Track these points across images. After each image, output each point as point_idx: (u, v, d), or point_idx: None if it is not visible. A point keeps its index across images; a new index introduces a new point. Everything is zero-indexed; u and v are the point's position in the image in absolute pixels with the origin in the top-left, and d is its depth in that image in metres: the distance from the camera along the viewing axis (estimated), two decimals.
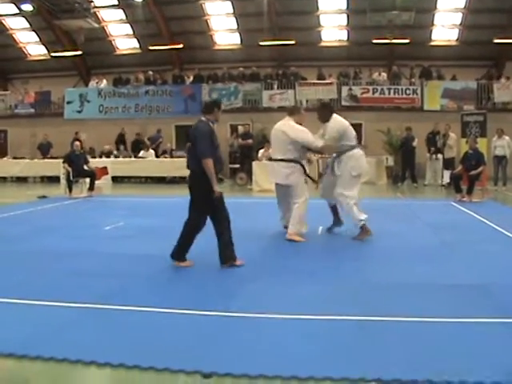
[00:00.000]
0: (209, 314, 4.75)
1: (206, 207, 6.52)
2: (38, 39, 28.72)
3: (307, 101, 24.30)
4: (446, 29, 25.66)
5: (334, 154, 8.82)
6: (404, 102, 23.21)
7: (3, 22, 27.74)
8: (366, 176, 19.65)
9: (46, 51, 28.94)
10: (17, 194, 17.76)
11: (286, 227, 8.54)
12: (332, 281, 6.01)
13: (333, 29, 26.64)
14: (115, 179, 20.83)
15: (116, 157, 22.07)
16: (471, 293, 5.48)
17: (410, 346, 4.03)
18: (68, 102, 25.77)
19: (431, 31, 25.69)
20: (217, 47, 28.12)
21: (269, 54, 26.69)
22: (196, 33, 27.32)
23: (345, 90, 23.55)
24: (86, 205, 13.73)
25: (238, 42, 27.59)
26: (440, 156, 18.93)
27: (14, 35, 28.68)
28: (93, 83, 26.76)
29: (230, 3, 25.70)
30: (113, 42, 28.61)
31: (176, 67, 27.37)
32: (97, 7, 26.01)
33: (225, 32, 27.60)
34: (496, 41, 23.83)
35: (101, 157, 21.88)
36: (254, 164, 17.94)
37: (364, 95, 23.42)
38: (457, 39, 25.79)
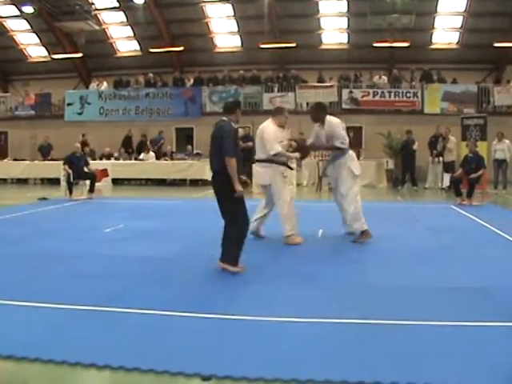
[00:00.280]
0: (208, 316, 4.75)
1: (235, 207, 6.41)
2: (38, 41, 28.76)
3: (307, 104, 24.31)
4: (446, 32, 25.68)
5: (330, 157, 8.84)
6: (404, 105, 23.24)
7: (4, 23, 27.79)
8: (366, 179, 19.77)
9: (46, 53, 28.98)
10: (17, 195, 17.76)
11: (252, 233, 8.37)
12: (332, 284, 6.00)
13: (333, 32, 26.67)
14: (115, 181, 20.83)
15: (116, 159, 22.06)
16: (471, 296, 5.48)
17: (409, 349, 4.03)
18: (68, 104, 25.82)
19: (432, 34, 25.72)
20: (217, 50, 28.14)
21: (269, 56, 26.71)
22: (197, 35, 27.35)
23: (345, 92, 23.59)
24: (86, 207, 13.72)
25: (239, 44, 27.62)
26: (441, 159, 18.92)
27: (14, 37, 28.73)
28: (93, 85, 26.80)
29: (230, 6, 25.75)
30: (113, 45, 28.64)
31: (176, 70, 27.39)
32: (98, 9, 26.09)
33: (225, 35, 27.64)
34: (496, 44, 23.84)
35: (101, 159, 21.86)
36: (254, 166, 17.91)
37: (364, 98, 23.45)
38: (457, 42, 25.82)
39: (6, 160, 23.52)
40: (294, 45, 25.64)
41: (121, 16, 27.02)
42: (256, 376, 3.57)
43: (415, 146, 19.07)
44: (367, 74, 24.55)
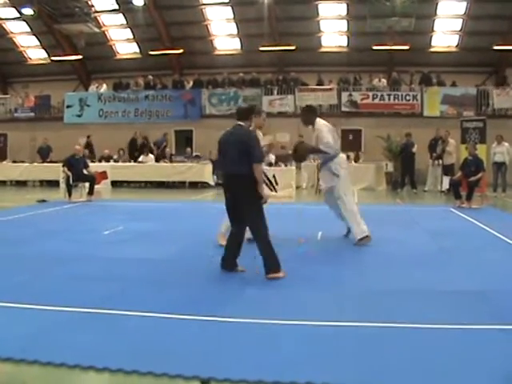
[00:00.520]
0: (207, 318, 4.73)
1: (256, 210, 6.37)
2: (38, 43, 28.76)
3: None
4: (445, 35, 25.70)
5: (320, 161, 8.84)
6: (404, 107, 23.27)
7: (4, 25, 27.79)
8: (366, 182, 19.80)
9: (46, 55, 28.99)
10: (16, 197, 17.74)
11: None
12: (331, 286, 6.00)
13: (333, 34, 26.69)
14: (115, 184, 20.84)
15: (116, 161, 22.05)
16: (470, 299, 5.47)
17: (408, 352, 4.02)
18: (68, 107, 25.84)
19: (431, 37, 25.74)
20: (217, 52, 28.15)
21: (269, 59, 26.71)
22: (196, 38, 27.36)
23: (345, 95, 23.63)
24: (86, 209, 13.72)
25: (238, 47, 27.62)
26: (440, 162, 18.93)
27: (14, 39, 28.73)
28: (93, 87, 26.83)
29: (230, 8, 25.76)
30: (113, 47, 28.64)
31: (176, 72, 27.39)
32: (97, 12, 26.09)
33: (225, 37, 27.63)
34: (496, 47, 23.87)
35: (100, 161, 21.85)
36: None
37: (364, 101, 23.48)
38: (457, 45, 25.84)
39: (5, 162, 23.49)
40: (293, 47, 25.65)
41: (120, 18, 27.03)
42: (255, 379, 3.56)
43: (414, 149, 19.09)
44: (367, 76, 24.58)
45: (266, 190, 6.57)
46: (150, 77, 25.94)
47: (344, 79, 24.44)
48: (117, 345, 4.17)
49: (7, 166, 22.83)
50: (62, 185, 17.30)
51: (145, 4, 24.70)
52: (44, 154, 22.76)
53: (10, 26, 28.08)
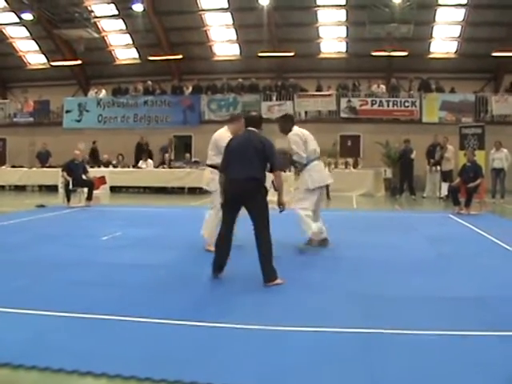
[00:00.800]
0: (207, 325, 4.73)
1: (266, 216, 6.34)
2: (37, 48, 28.83)
3: (306, 112, 24.39)
4: (444, 41, 25.79)
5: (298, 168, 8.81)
6: (402, 114, 23.32)
7: (3, 30, 27.87)
8: (364, 188, 19.81)
9: (45, 60, 29.05)
10: (15, 202, 17.73)
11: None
12: (329, 292, 5.99)
13: (332, 41, 26.78)
14: (113, 189, 20.84)
15: (115, 166, 22.06)
16: (468, 305, 5.47)
17: (406, 359, 4.01)
18: (67, 112, 25.87)
19: (430, 44, 25.84)
20: (216, 58, 28.22)
21: (268, 65, 26.77)
22: (195, 44, 27.44)
23: (343, 101, 23.66)
24: (84, 214, 13.70)
25: (238, 53, 27.69)
26: (438, 168, 18.96)
27: (13, 44, 28.81)
28: (92, 93, 26.88)
29: (229, 14, 25.84)
30: (112, 52, 28.71)
31: (175, 78, 27.44)
32: (97, 17, 26.18)
33: (224, 43, 27.72)
34: (494, 54, 23.94)
35: (99, 166, 21.86)
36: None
37: (363, 107, 23.52)
38: (455, 52, 25.93)
39: (4, 167, 23.53)
40: (292, 53, 25.75)
41: (120, 24, 27.10)
42: None
43: (413, 155, 19.10)
44: (365, 82, 24.63)
45: (285, 198, 6.56)
46: (150, 82, 25.98)
47: (343, 85, 24.49)
48: (115, 350, 4.15)
49: (6, 170, 22.85)
50: (61, 190, 17.30)
51: (144, 10, 24.76)
52: (43, 159, 22.79)
53: (9, 31, 28.17)
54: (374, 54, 24.50)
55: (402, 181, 19.30)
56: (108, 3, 25.72)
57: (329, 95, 24.01)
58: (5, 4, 25.88)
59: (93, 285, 6.18)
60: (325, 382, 3.65)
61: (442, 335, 4.52)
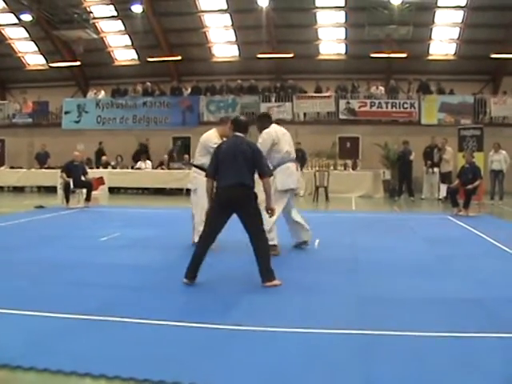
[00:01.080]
0: (206, 326, 4.72)
1: (260, 219, 6.38)
2: (36, 49, 28.79)
3: (305, 114, 24.40)
4: (443, 43, 25.80)
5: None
6: (401, 115, 23.32)
7: (2, 31, 27.84)
8: (363, 190, 19.83)
9: (44, 61, 29.02)
10: (14, 203, 17.73)
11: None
12: (328, 294, 5.99)
13: (331, 42, 26.76)
14: (112, 190, 20.83)
15: (113, 168, 22.06)
16: (466, 307, 5.47)
17: (405, 360, 4.01)
18: (66, 113, 25.84)
19: (429, 45, 25.83)
20: (215, 59, 28.20)
21: (267, 66, 26.77)
22: (194, 45, 27.42)
23: (342, 103, 23.64)
24: (83, 215, 13.71)
25: (237, 54, 27.67)
26: (436, 170, 18.97)
27: (12, 45, 28.76)
28: (91, 94, 26.85)
29: (228, 16, 25.82)
30: (111, 53, 28.68)
31: (174, 79, 27.42)
32: (96, 18, 26.14)
33: (223, 44, 27.69)
34: (493, 56, 23.95)
35: (98, 167, 21.85)
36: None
37: (361, 109, 23.51)
38: (454, 53, 25.94)
39: (2, 168, 23.53)
40: (291, 55, 25.73)
41: (119, 25, 27.08)
42: None
43: (412, 157, 19.13)
44: (364, 84, 24.63)
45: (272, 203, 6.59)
46: (148, 83, 25.94)
47: (342, 87, 24.48)
48: (114, 352, 4.15)
49: (5, 171, 22.85)
50: (60, 191, 17.29)
51: (143, 11, 24.75)
52: (42, 160, 22.77)
53: (8, 32, 28.12)
54: (372, 55, 24.48)
55: (401, 182, 19.30)
56: (107, 4, 25.70)
57: (328, 97, 24.00)
58: (4, 5, 25.86)
59: (91, 286, 6.18)
60: (320, 383, 3.65)
61: (440, 337, 4.52)
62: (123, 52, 28.73)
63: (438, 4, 23.84)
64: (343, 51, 26.81)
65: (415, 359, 4.03)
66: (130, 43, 27.96)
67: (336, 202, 17.49)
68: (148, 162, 21.96)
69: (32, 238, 9.78)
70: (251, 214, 6.31)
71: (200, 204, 8.14)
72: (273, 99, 24.56)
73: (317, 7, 24.84)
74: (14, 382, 3.72)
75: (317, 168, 20.07)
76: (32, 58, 29.56)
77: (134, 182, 21.15)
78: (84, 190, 15.65)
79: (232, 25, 26.22)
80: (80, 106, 25.86)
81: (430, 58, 26.13)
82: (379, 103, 23.44)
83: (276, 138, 8.38)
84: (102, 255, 8.18)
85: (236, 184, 6.25)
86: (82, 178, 15.60)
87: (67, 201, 15.15)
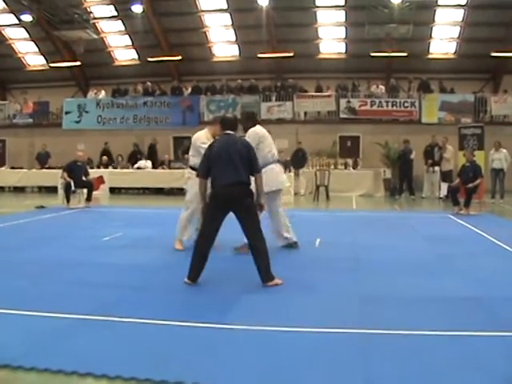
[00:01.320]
0: (206, 325, 4.73)
1: (257, 218, 6.44)
2: (37, 49, 28.77)
3: (305, 113, 24.40)
4: (443, 42, 25.77)
5: None
6: (402, 114, 23.30)
7: (3, 32, 27.81)
8: (364, 188, 19.84)
9: (44, 61, 28.99)
10: (15, 203, 17.75)
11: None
12: (328, 293, 5.99)
13: (331, 41, 26.72)
14: (113, 190, 20.83)
15: (114, 167, 22.06)
16: (467, 305, 5.47)
17: (405, 359, 4.02)
18: (66, 113, 25.83)
19: (429, 44, 25.80)
20: (215, 59, 28.18)
21: (267, 66, 26.74)
22: (195, 45, 27.39)
23: (343, 102, 23.64)
24: (84, 215, 13.71)
25: (237, 54, 27.64)
26: (437, 169, 18.96)
27: (13, 45, 28.74)
28: (91, 94, 26.85)
29: (228, 15, 25.79)
30: (112, 53, 28.66)
31: (174, 79, 27.41)
32: (96, 18, 26.11)
33: (223, 44, 27.66)
34: (493, 54, 23.93)
35: (99, 167, 21.85)
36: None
37: (362, 108, 23.50)
38: (454, 52, 25.90)
39: (3, 168, 23.52)
40: (291, 54, 25.70)
41: (119, 25, 27.06)
42: None
43: (413, 156, 19.12)
44: (365, 83, 24.62)
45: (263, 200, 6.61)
46: (149, 83, 25.94)
47: (342, 86, 24.47)
48: (115, 351, 4.16)
49: (6, 171, 22.83)
50: (61, 191, 17.29)
51: (143, 11, 24.73)
52: (42, 160, 22.78)
53: (8, 32, 28.10)
54: (373, 54, 24.45)
55: (402, 181, 19.30)
56: (107, 4, 25.68)
57: (328, 96, 23.99)
58: (4, 5, 25.85)
59: (93, 285, 6.19)
60: (321, 382, 3.66)
61: (441, 335, 4.53)
62: (123, 52, 28.72)
63: (438, 3, 23.82)
64: (343, 50, 26.77)
65: (415, 358, 4.04)
66: (130, 43, 27.94)
67: (337, 201, 17.49)
68: (148, 161, 21.95)
69: (32, 238, 9.79)
70: (249, 211, 6.33)
71: (192, 204, 8.54)
72: (273, 98, 24.56)
73: (317, 6, 24.81)
74: (15, 382, 3.72)
75: (317, 167, 20.07)
76: (32, 58, 29.55)
77: (135, 182, 21.13)
78: (85, 190, 15.65)
79: (232, 24, 26.19)
80: (80, 106, 25.86)
81: (430, 56, 26.09)
82: (380, 102, 23.42)
83: (262, 137, 8.46)
84: (104, 255, 8.18)
85: (234, 182, 6.25)
86: (83, 178, 15.59)
87: (68, 201, 15.14)
